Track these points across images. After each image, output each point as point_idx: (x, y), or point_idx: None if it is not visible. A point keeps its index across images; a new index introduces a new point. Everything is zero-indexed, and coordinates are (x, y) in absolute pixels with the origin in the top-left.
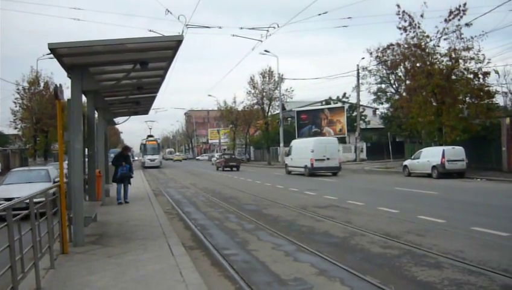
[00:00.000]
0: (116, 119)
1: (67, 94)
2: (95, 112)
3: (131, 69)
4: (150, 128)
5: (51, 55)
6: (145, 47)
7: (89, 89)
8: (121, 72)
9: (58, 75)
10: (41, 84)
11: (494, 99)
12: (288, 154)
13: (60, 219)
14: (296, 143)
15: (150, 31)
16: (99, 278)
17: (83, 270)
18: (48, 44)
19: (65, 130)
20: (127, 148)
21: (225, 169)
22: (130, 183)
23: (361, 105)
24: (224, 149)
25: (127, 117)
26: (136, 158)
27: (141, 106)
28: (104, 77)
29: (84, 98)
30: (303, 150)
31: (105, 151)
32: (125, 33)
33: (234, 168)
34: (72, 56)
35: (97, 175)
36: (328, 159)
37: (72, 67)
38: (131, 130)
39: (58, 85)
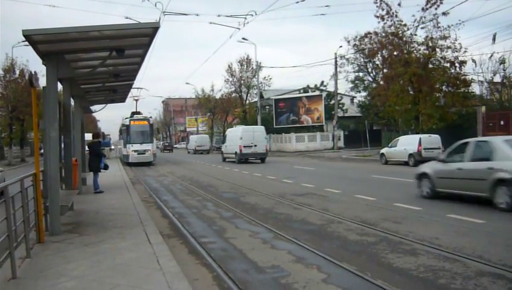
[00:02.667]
0: (93, 107)
1: (42, 82)
2: (71, 99)
3: (107, 57)
4: (136, 100)
5: (26, 43)
6: (121, 34)
7: (64, 77)
8: (97, 60)
9: (33, 63)
10: (17, 72)
11: (470, 88)
12: (223, 142)
13: (36, 208)
14: (229, 132)
15: (127, 18)
16: (75, 267)
17: (59, 259)
18: (22, 31)
19: (41, 118)
20: (99, 134)
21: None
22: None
23: (339, 93)
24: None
25: (104, 105)
26: (112, 147)
27: (118, 93)
28: (80, 64)
29: (60, 86)
30: (234, 138)
31: (82, 140)
32: (102, 21)
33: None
34: (47, 43)
35: (74, 164)
36: (255, 146)
37: (47, 54)
38: (109, 118)
39: (33, 72)
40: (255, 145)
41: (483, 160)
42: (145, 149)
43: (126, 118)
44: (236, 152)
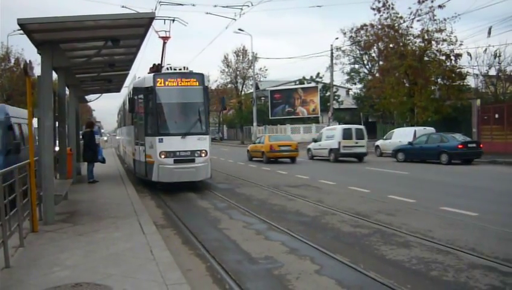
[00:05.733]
0: (88, 97)
1: (38, 71)
2: (66, 89)
3: (103, 46)
4: (165, 40)
5: (22, 31)
6: (116, 24)
7: (59, 66)
8: (92, 49)
9: (29, 52)
10: (12, 61)
11: (465, 81)
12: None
13: (30, 197)
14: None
15: (123, 7)
16: (69, 256)
17: (53, 248)
18: (18, 19)
19: (35, 107)
20: (92, 124)
21: None
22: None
23: (335, 85)
24: None
25: (99, 95)
26: (105, 137)
27: (113, 83)
28: (75, 54)
29: (55, 75)
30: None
31: (77, 129)
32: (99, 10)
33: None
34: (42, 32)
35: (68, 153)
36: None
37: (43, 43)
38: (104, 108)
39: (28, 61)
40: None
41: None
42: (194, 151)
43: (139, 78)
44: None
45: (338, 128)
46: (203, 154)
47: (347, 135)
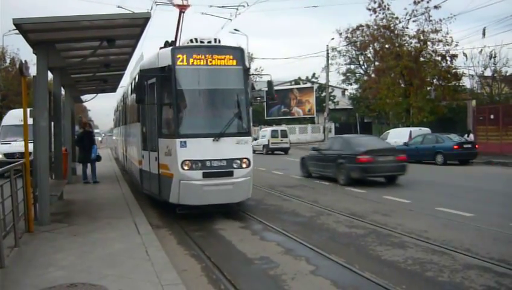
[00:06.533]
0: (84, 97)
1: (33, 71)
2: (62, 89)
3: (98, 46)
4: (183, 10)
5: (17, 31)
6: (112, 24)
7: (55, 66)
8: (87, 49)
9: (24, 52)
10: (7, 61)
11: (461, 82)
12: None
13: (25, 197)
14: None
15: (119, 7)
16: (64, 257)
17: (48, 248)
18: (13, 19)
19: (31, 107)
20: (85, 124)
21: None
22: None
23: (330, 86)
24: None
25: (95, 95)
26: (99, 138)
27: (109, 83)
28: (71, 54)
29: (50, 75)
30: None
31: (72, 129)
32: (95, 10)
33: None
34: (38, 32)
35: (63, 153)
36: None
37: (38, 43)
38: (100, 108)
39: (23, 61)
40: None
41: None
42: (232, 159)
43: (150, 56)
44: None
45: (268, 130)
46: (244, 165)
47: (274, 135)
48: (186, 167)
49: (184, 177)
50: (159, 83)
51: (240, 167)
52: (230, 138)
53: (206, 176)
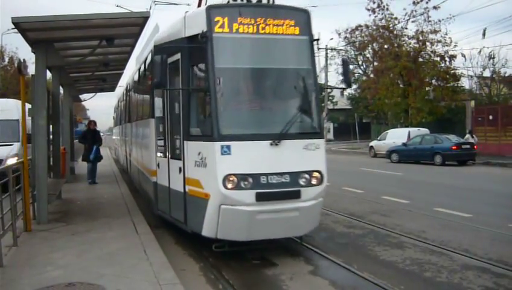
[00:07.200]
0: (82, 96)
1: (32, 70)
2: (60, 88)
3: (97, 45)
4: None
5: (16, 30)
6: (111, 23)
7: (53, 65)
8: (86, 48)
9: (23, 50)
10: (6, 59)
11: (459, 82)
12: None
13: (23, 196)
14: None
15: (117, 6)
16: (62, 256)
17: (46, 248)
18: (12, 18)
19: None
20: (92, 123)
21: None
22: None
23: (329, 86)
24: None
25: (93, 94)
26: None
27: (107, 82)
28: (70, 53)
29: (49, 74)
30: None
31: (71, 128)
32: (94, 9)
33: None
34: (37, 31)
35: (62, 152)
36: None
37: (37, 42)
38: (99, 107)
39: (22, 60)
40: None
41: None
42: (298, 173)
43: (173, 23)
44: None
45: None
46: (314, 180)
47: None
48: (230, 185)
49: (227, 201)
50: (187, 60)
51: (309, 185)
52: (295, 141)
53: (261, 198)
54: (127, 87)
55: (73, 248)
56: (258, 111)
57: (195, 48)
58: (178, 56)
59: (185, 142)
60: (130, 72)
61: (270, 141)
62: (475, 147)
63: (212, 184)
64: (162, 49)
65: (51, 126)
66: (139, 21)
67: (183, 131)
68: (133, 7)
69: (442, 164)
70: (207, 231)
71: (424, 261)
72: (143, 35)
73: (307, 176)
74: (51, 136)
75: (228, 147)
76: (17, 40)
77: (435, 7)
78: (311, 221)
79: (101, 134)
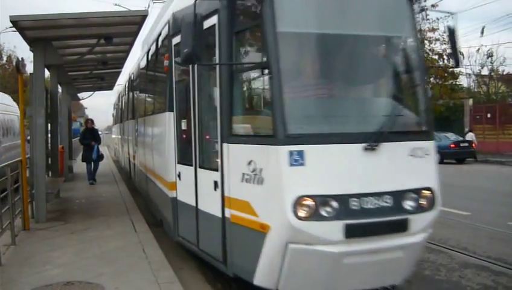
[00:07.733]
0: (81, 95)
1: (30, 68)
2: (59, 86)
3: (96, 44)
4: None
5: (14, 28)
6: (109, 22)
7: (52, 63)
8: (85, 47)
9: (21, 49)
10: (4, 58)
11: (457, 81)
12: None
13: (22, 195)
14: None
15: (116, 5)
16: (61, 255)
17: (44, 246)
18: (10, 16)
19: (27, 105)
20: (90, 121)
21: None
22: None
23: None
24: None
25: (92, 92)
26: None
27: (106, 81)
28: (68, 51)
29: (47, 73)
30: None
31: (69, 127)
32: (92, 7)
33: None
34: (35, 29)
35: (60, 151)
36: None
37: (35, 40)
38: (97, 106)
39: (20, 59)
40: None
41: None
42: (403, 193)
43: None
44: None
45: None
46: (424, 201)
47: None
48: (304, 213)
49: (299, 237)
50: (228, 24)
51: (419, 210)
52: (398, 144)
53: (352, 233)
54: (130, 78)
55: (71, 247)
56: (343, 99)
57: (242, 6)
58: (214, 20)
59: (224, 144)
60: (135, 61)
61: (364, 145)
62: (473, 145)
63: (273, 211)
64: (188, 12)
65: (49, 125)
66: (138, 19)
67: (221, 128)
68: (132, 6)
69: (441, 162)
70: (262, 279)
71: (423, 260)
72: (139, 38)
73: (414, 196)
74: (49, 135)
75: (301, 153)
76: (15, 38)
77: (433, 5)
78: (412, 262)
79: (99, 133)
